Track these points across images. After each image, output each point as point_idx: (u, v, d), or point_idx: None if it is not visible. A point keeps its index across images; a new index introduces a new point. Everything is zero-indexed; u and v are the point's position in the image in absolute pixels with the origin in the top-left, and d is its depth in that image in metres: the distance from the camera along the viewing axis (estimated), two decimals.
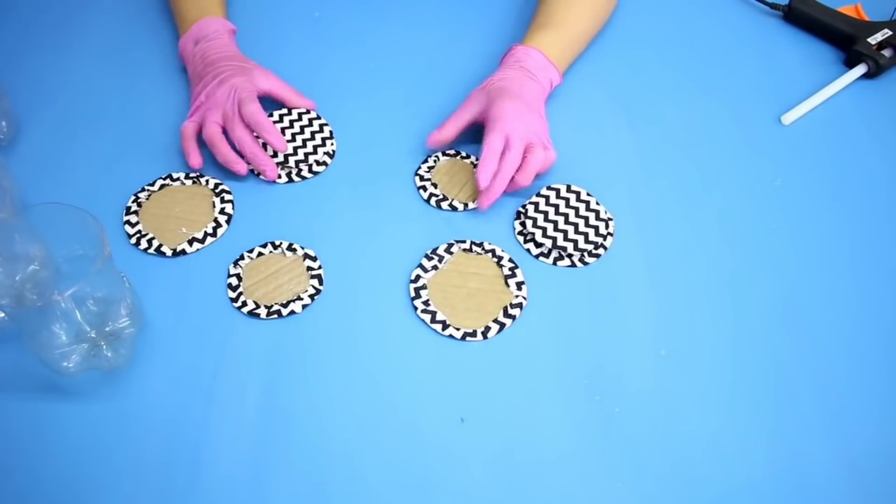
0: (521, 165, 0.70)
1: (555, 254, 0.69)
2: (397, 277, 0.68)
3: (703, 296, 0.67)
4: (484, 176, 0.68)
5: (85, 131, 0.78)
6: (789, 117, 0.80)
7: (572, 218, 0.70)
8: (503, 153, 0.69)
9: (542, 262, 0.69)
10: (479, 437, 0.59)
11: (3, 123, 0.75)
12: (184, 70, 0.82)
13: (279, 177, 0.74)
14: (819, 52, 0.87)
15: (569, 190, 0.72)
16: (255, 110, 0.71)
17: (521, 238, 0.70)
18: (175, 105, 0.80)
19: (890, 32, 0.84)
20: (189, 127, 0.74)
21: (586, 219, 0.70)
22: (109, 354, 0.60)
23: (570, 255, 0.69)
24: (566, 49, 0.79)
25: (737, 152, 0.77)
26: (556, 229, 0.69)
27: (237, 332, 0.64)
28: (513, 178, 0.70)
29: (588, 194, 0.72)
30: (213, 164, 0.75)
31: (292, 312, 0.65)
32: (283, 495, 0.56)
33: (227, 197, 0.72)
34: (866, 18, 0.88)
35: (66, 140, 0.77)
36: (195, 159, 0.73)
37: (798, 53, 0.87)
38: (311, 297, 0.66)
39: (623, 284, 0.67)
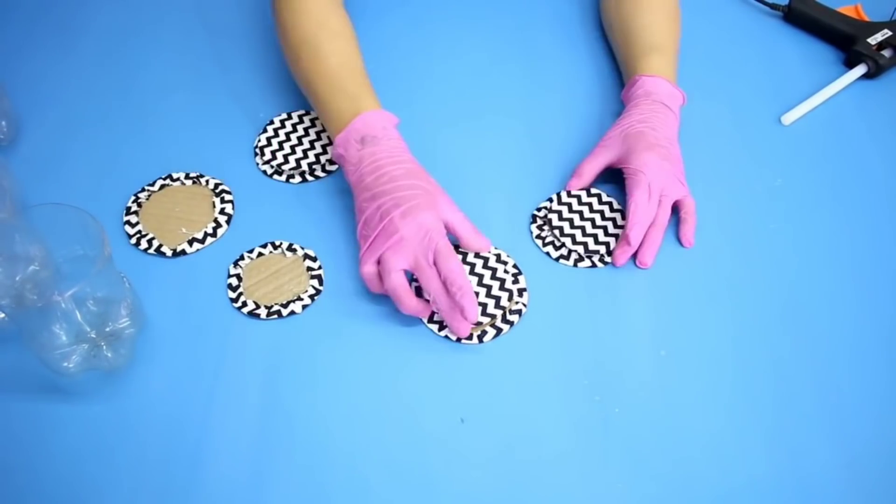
0: (681, 226, 0.70)
1: (575, 256, 0.69)
2: None
3: (703, 296, 0.67)
4: (635, 234, 0.67)
5: (85, 131, 0.78)
6: (789, 117, 0.80)
7: (599, 221, 0.70)
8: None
9: (543, 262, 0.69)
10: (480, 437, 0.59)
11: (3, 123, 0.75)
12: (187, 69, 0.82)
13: (303, 176, 0.74)
14: (819, 53, 0.87)
15: (589, 194, 0.72)
16: (455, 269, 0.61)
17: (539, 241, 0.70)
18: (175, 105, 0.80)
19: (890, 33, 0.84)
20: (372, 272, 0.64)
21: (614, 220, 0.70)
22: (109, 355, 0.60)
23: (591, 256, 0.69)
24: (676, 68, 0.77)
25: (737, 153, 0.77)
26: (584, 234, 0.69)
27: (237, 333, 0.64)
28: (649, 231, 0.68)
29: (608, 195, 0.72)
30: (213, 163, 0.75)
31: (292, 313, 0.65)
32: (283, 496, 0.56)
33: (227, 197, 0.72)
34: (866, 18, 0.88)
35: (66, 140, 0.77)
36: (413, 304, 0.63)
37: (798, 53, 0.87)
38: (311, 297, 0.66)
39: (623, 284, 0.67)
